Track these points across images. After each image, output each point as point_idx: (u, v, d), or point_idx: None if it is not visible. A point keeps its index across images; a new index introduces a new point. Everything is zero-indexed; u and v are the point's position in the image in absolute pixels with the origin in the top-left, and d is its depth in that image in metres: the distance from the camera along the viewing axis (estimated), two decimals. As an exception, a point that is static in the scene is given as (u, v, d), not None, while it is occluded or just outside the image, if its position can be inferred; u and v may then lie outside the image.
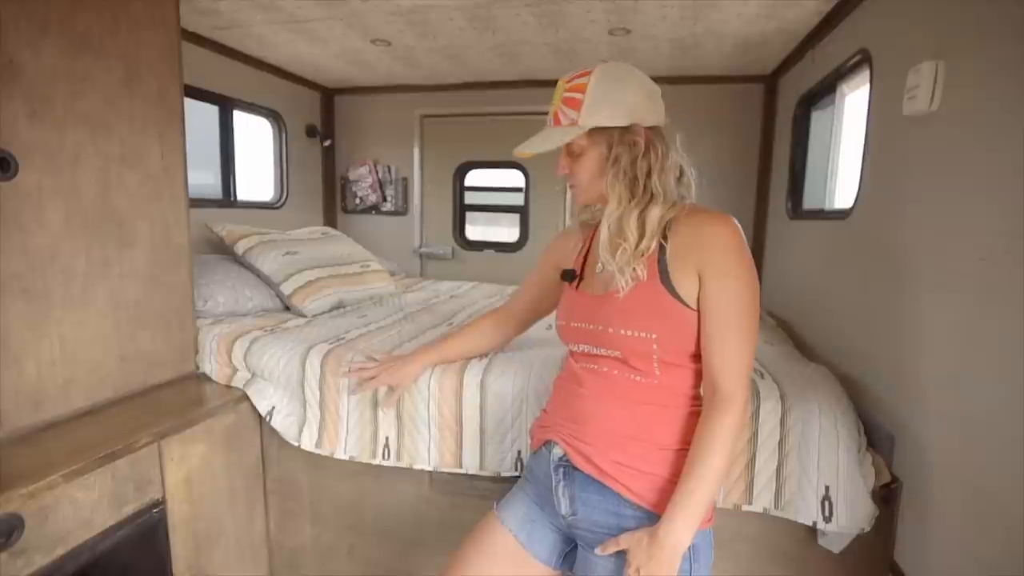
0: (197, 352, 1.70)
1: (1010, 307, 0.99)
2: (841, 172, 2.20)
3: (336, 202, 3.59)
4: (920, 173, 1.33)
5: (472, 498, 1.52)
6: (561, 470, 1.02)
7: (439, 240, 3.51)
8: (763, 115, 2.85)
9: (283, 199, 3.17)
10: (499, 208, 3.58)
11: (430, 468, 1.53)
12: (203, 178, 2.78)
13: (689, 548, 0.91)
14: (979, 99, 1.13)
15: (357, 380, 1.50)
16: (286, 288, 2.05)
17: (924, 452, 1.24)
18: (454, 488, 1.57)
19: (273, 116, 3.07)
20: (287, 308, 2.08)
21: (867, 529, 1.28)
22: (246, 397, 1.62)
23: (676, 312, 0.94)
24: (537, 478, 1.09)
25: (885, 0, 1.60)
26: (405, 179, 3.47)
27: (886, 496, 1.31)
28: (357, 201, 3.54)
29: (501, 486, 1.38)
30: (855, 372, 1.58)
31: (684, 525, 0.89)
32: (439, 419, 1.49)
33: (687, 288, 0.94)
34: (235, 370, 1.68)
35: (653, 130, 0.99)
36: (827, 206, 2.22)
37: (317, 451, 1.58)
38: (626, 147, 0.97)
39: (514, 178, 3.36)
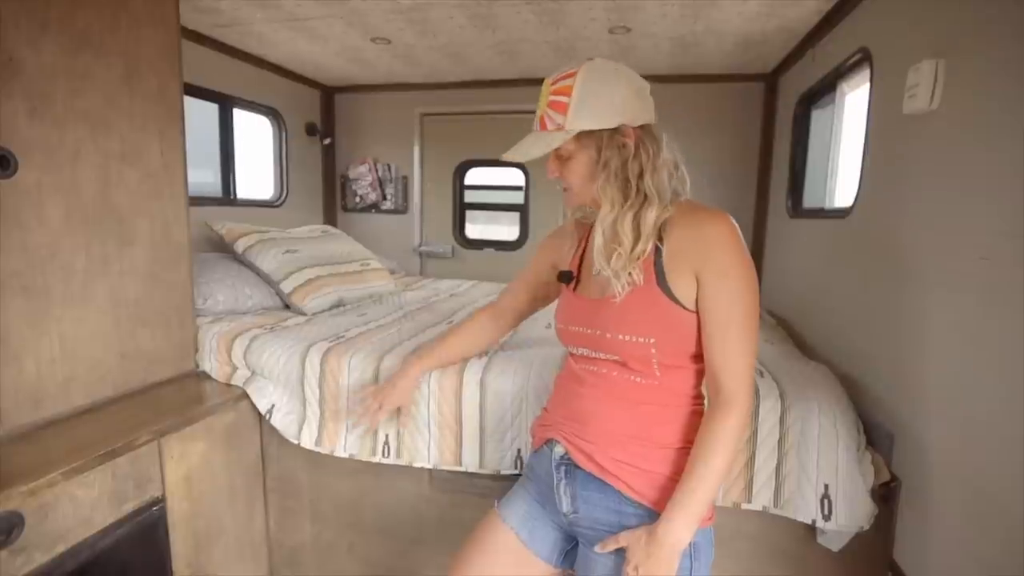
0: (197, 350, 1.70)
1: (1010, 306, 0.99)
2: (841, 171, 2.19)
3: (336, 200, 3.58)
4: (920, 172, 1.33)
5: (472, 496, 1.52)
6: (563, 468, 1.02)
7: (439, 238, 3.51)
8: (763, 114, 2.85)
9: (283, 197, 3.16)
10: (499, 206, 3.58)
11: (430, 466, 1.53)
12: (203, 176, 2.78)
13: (690, 546, 0.91)
14: (979, 98, 1.13)
15: (368, 421, 1.43)
16: (286, 286, 2.05)
17: (924, 451, 1.24)
18: (454, 486, 1.57)
19: (273, 114, 3.07)
20: (287, 306, 2.08)
21: (866, 527, 1.28)
22: (246, 395, 1.62)
23: (674, 315, 0.93)
24: (538, 476, 1.09)
25: (886, -1, 1.60)
26: (405, 177, 3.47)
27: (885, 495, 1.31)
28: (357, 199, 3.54)
29: (501, 484, 1.39)
30: (855, 371, 1.58)
31: (683, 524, 0.89)
32: (439, 417, 1.49)
33: (684, 290, 0.93)
34: (235, 368, 1.68)
35: (643, 129, 0.96)
36: (827, 205, 2.21)
37: (317, 449, 1.58)
38: (616, 149, 0.94)
39: (514, 176, 3.37)
